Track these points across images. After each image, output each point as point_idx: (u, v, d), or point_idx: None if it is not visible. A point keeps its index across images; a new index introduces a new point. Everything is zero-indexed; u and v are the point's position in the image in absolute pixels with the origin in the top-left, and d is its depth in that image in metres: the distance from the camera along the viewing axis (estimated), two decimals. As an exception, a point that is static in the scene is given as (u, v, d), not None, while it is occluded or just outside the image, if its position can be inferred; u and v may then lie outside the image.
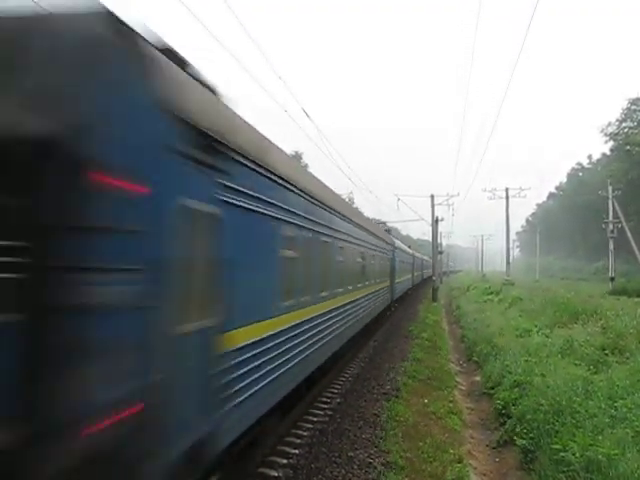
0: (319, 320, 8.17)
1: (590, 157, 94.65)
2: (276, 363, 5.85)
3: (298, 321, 6.83)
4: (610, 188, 40.23)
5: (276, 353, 5.84)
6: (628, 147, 63.74)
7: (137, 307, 3.17)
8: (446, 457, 7.25)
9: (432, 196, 41.72)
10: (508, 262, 49.20)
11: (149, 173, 3.26)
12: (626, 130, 67.74)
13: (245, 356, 4.86)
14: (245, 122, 5.40)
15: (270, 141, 6.21)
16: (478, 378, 13.41)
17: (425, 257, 60.44)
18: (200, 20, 9.78)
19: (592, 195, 66.27)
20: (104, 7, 3.16)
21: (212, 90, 4.71)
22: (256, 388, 5.16)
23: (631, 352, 10.66)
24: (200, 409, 4.00)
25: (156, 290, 3.30)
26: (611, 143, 71.99)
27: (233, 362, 4.57)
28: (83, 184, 2.93)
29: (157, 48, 3.69)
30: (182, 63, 4.14)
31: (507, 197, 46.63)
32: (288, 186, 6.30)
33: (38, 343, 2.90)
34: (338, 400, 9.85)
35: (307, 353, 7.38)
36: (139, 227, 3.17)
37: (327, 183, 9.74)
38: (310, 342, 7.58)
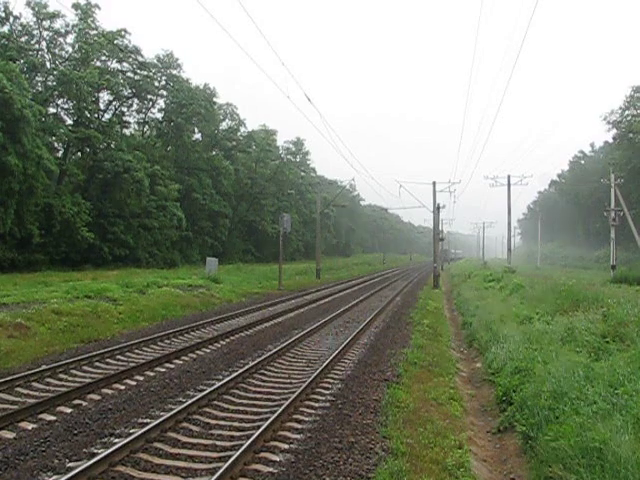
0: None
1: (592, 145, 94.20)
2: None
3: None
4: (612, 176, 40.02)
5: None
6: (631, 135, 63.31)
7: None
8: (447, 443, 7.27)
9: (434, 183, 41.47)
10: (509, 249, 49.21)
11: None
12: (629, 118, 67.12)
13: None
14: None
15: None
16: (479, 365, 13.45)
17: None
18: (205, 7, 9.71)
19: (594, 183, 66.08)
20: None
21: None
22: None
23: (632, 340, 10.61)
24: None
25: None
26: (614, 131, 71.47)
27: None
28: None
29: None
30: None
31: (509, 184, 46.53)
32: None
33: None
34: (339, 386, 9.88)
35: None
36: None
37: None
38: None
